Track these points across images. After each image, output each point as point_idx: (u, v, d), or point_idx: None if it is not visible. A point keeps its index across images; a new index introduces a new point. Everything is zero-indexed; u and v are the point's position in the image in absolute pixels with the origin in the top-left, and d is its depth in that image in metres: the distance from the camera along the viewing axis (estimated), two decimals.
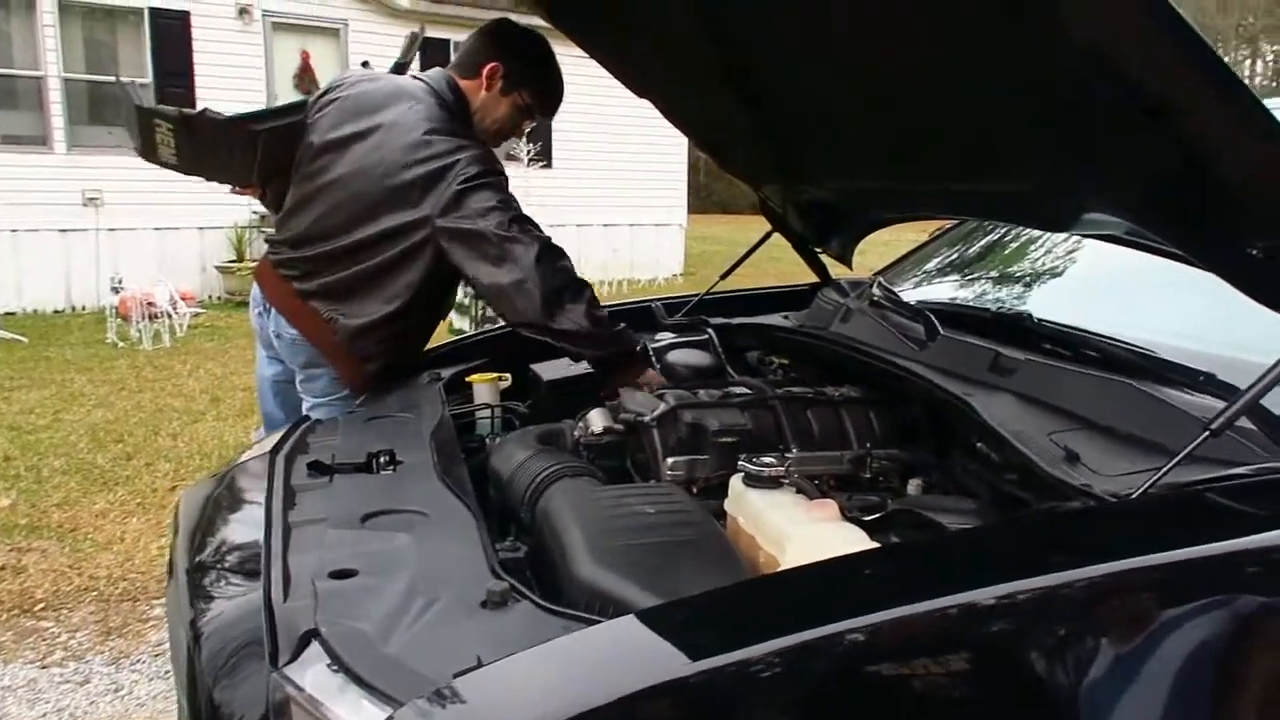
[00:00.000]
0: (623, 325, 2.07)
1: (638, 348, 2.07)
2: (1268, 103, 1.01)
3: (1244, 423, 1.23)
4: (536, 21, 2.00)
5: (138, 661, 2.77)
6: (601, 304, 2.03)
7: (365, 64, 2.77)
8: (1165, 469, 1.08)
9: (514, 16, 2.43)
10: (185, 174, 2.39)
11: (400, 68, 2.74)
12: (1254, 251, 1.08)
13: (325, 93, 2.23)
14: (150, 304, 7.89)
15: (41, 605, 3.08)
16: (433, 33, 11.18)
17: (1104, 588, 0.90)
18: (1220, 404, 1.18)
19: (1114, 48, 0.95)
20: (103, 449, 4.73)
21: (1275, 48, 44.06)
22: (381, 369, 2.13)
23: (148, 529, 3.69)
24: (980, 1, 0.97)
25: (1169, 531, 1.01)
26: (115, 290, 8.28)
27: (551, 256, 1.96)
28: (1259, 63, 45.89)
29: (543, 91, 2.21)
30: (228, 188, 2.51)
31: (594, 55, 2.10)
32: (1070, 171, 1.22)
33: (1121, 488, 1.16)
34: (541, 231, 2.01)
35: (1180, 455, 1.09)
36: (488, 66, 2.14)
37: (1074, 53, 0.96)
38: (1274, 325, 1.21)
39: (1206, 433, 1.10)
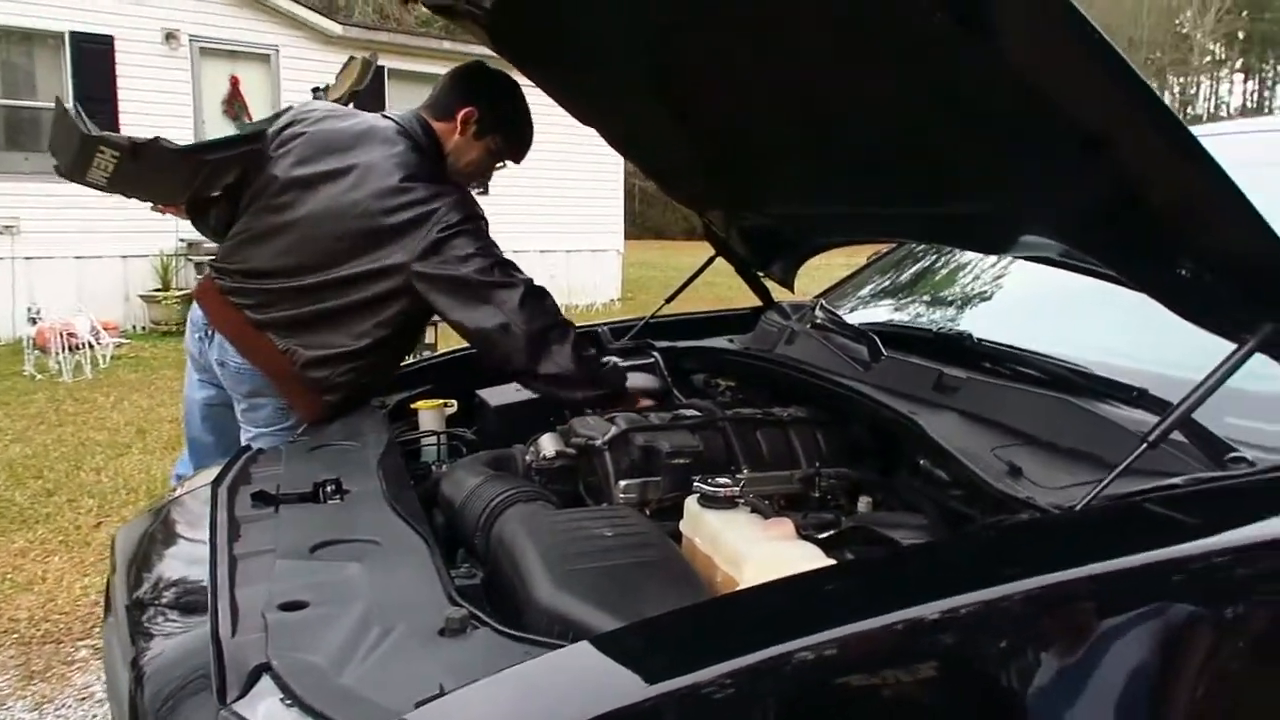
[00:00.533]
0: (611, 362, 2.07)
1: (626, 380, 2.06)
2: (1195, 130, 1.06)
3: (1178, 436, 1.28)
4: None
5: (62, 706, 2.65)
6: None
7: (316, 91, 2.71)
8: (1107, 480, 1.12)
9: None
10: (107, 193, 2.31)
11: (354, 95, 2.71)
12: (1182, 272, 1.13)
13: (288, 125, 2.18)
14: (70, 334, 7.61)
15: None
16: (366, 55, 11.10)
17: (1055, 597, 0.92)
18: (1153, 418, 1.23)
19: (1051, 80, 0.99)
20: (21, 485, 4.53)
21: (1180, 80, 46.19)
22: (342, 400, 2.08)
23: (70, 568, 3.55)
24: (919, 33, 1.00)
25: (1113, 541, 1.04)
26: (33, 320, 7.98)
27: (535, 299, 1.96)
28: (1166, 94, 48.05)
29: (515, 138, 2.22)
30: (151, 211, 2.44)
31: (537, 83, 2.11)
32: (1009, 198, 1.26)
33: (1064, 500, 1.20)
34: (524, 274, 2.00)
35: (1121, 466, 1.13)
36: (462, 111, 2.13)
37: (1013, 84, 1.00)
38: (1202, 342, 1.27)
39: (1144, 444, 1.14)
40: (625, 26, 1.57)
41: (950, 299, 2.36)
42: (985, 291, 2.31)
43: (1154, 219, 1.11)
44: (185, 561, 1.47)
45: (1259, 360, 1.21)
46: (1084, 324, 1.88)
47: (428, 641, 1.04)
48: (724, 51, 1.35)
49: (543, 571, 1.15)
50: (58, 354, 7.30)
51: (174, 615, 1.35)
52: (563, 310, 2.07)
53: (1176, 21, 44.74)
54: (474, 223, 2.00)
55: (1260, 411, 1.36)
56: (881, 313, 2.39)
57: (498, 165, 2.27)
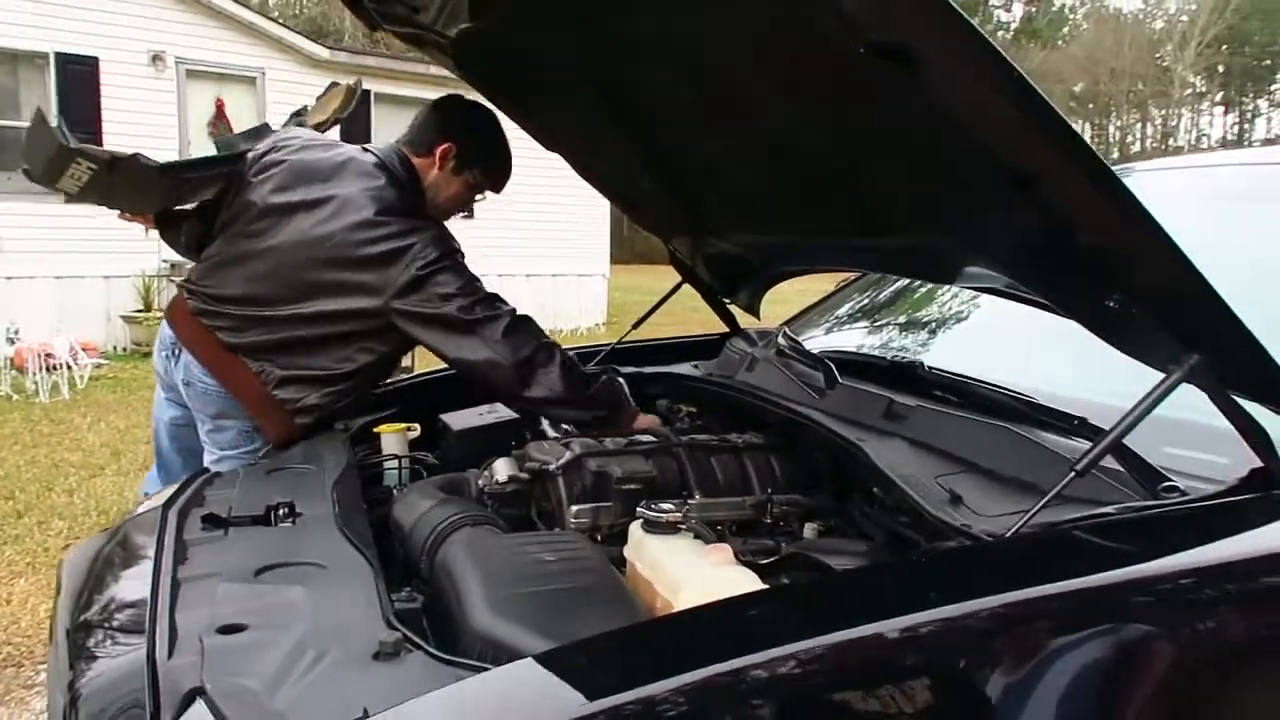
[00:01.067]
0: (603, 379, 2.07)
1: (623, 394, 2.08)
2: (1132, 168, 1.09)
3: (1115, 465, 1.31)
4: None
5: None
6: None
7: (297, 114, 2.72)
8: (1035, 509, 1.14)
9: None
10: (77, 202, 2.30)
11: (338, 122, 2.73)
12: (1111, 304, 1.16)
13: (267, 151, 2.19)
14: (48, 355, 7.58)
15: None
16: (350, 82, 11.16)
17: (973, 623, 0.93)
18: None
19: (975, 118, 1.01)
20: None
21: (1162, 112, 46.84)
22: (315, 423, 2.07)
23: (36, 590, 3.52)
24: (847, 67, 1.03)
25: (1037, 568, 1.06)
26: (11, 340, 7.94)
27: (518, 328, 1.98)
28: (1148, 125, 48.73)
29: (494, 170, 2.23)
30: (118, 219, 2.44)
31: (502, 109, 2.14)
32: (948, 231, 1.29)
33: (999, 527, 1.22)
34: (506, 305, 2.02)
35: (1049, 495, 1.15)
36: (440, 147, 2.13)
37: (938, 120, 1.02)
38: (1140, 372, 1.30)
39: (1073, 473, 1.16)
40: (579, 60, 1.60)
41: (909, 328, 2.39)
42: (945, 321, 2.34)
43: (1083, 254, 1.14)
44: (133, 584, 1.47)
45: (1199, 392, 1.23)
46: (1037, 354, 1.90)
47: (361, 666, 1.04)
48: (671, 86, 1.38)
49: (479, 596, 1.16)
50: (35, 374, 7.27)
51: (116, 638, 1.35)
52: (548, 334, 2.09)
53: (1158, 55, 45.48)
54: (452, 258, 2.01)
55: (1198, 442, 1.38)
56: (842, 340, 2.42)
57: (478, 196, 2.28)
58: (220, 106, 10.48)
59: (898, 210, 1.34)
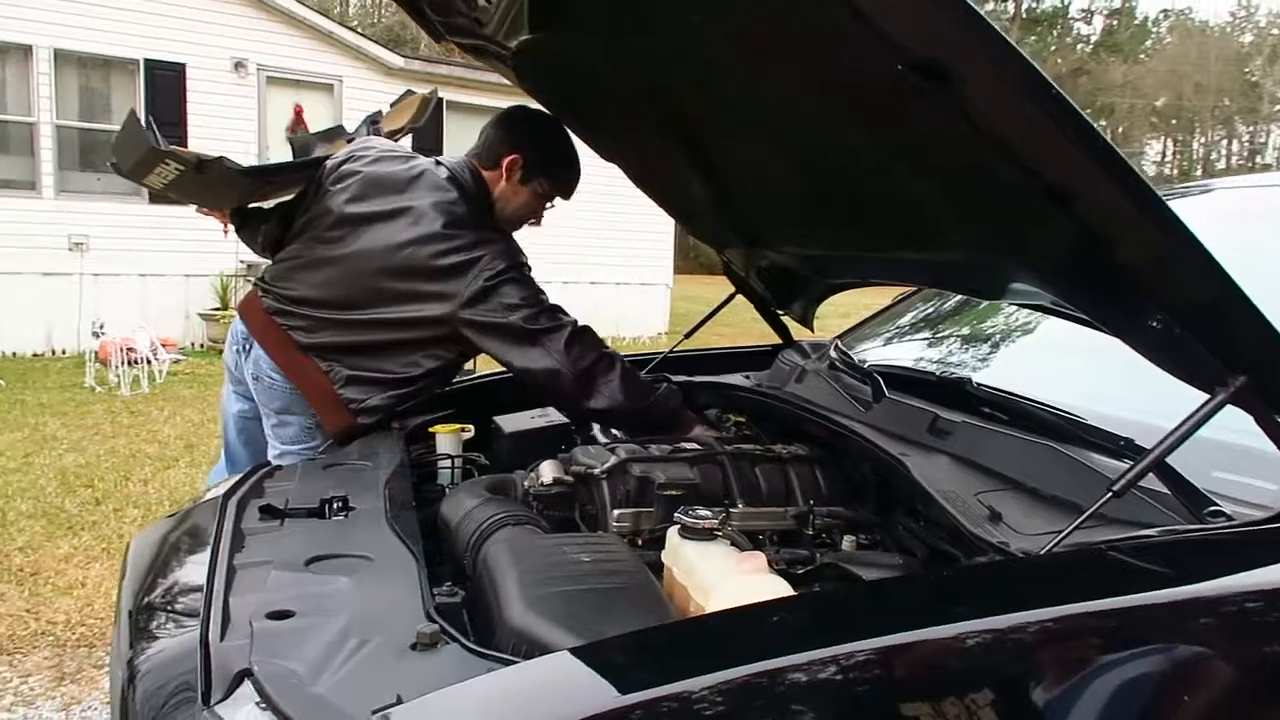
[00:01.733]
0: (662, 387, 2.12)
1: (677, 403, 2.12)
2: (1170, 193, 1.08)
3: (1159, 487, 1.29)
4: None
5: (88, 708, 2.74)
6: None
7: (374, 119, 2.80)
8: (1069, 528, 1.13)
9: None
10: (161, 196, 2.41)
11: (412, 131, 2.80)
12: (1154, 324, 1.14)
13: (345, 160, 2.27)
14: (130, 349, 7.90)
15: None
16: (427, 92, 11.41)
17: (1000, 639, 0.94)
18: None
19: (1013, 134, 1.02)
20: (72, 493, 4.71)
21: (1249, 129, 45.25)
22: (376, 423, 2.13)
23: (110, 574, 3.67)
24: (885, 84, 1.04)
25: (1067, 587, 1.05)
26: (96, 335, 8.29)
27: (579, 339, 2.04)
28: (1234, 142, 47.11)
29: (561, 178, 2.26)
30: (195, 212, 2.55)
31: (561, 119, 2.19)
32: (989, 247, 1.29)
33: (1037, 546, 1.21)
34: (568, 316, 2.08)
35: (1083, 516, 1.14)
36: (507, 159, 2.18)
37: (976, 137, 1.03)
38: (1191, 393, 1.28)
39: (1109, 493, 1.15)
40: (634, 73, 1.64)
41: (965, 343, 2.37)
42: (1000, 336, 2.31)
43: (1122, 272, 1.13)
44: (190, 569, 1.54)
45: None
46: (1090, 372, 1.87)
47: (399, 654, 1.08)
48: (720, 101, 1.41)
49: (515, 592, 1.19)
50: (117, 368, 7.57)
51: (174, 620, 1.41)
52: (610, 342, 2.13)
53: (1246, 69, 43.99)
54: (518, 270, 2.07)
55: (1247, 466, 1.36)
56: (896, 353, 2.41)
57: (548, 205, 2.31)
58: (299, 112, 10.80)
59: (940, 225, 1.34)
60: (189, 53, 9.89)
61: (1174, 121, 45.46)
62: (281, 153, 10.63)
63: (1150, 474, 1.20)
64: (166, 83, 9.83)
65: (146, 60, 9.68)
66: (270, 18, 10.48)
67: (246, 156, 10.19)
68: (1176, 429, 1.16)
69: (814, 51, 1.10)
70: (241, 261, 9.85)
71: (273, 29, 10.50)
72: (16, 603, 3.39)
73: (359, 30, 15.38)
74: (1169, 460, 1.21)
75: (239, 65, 10.24)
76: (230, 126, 10.06)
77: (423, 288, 2.04)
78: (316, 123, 10.80)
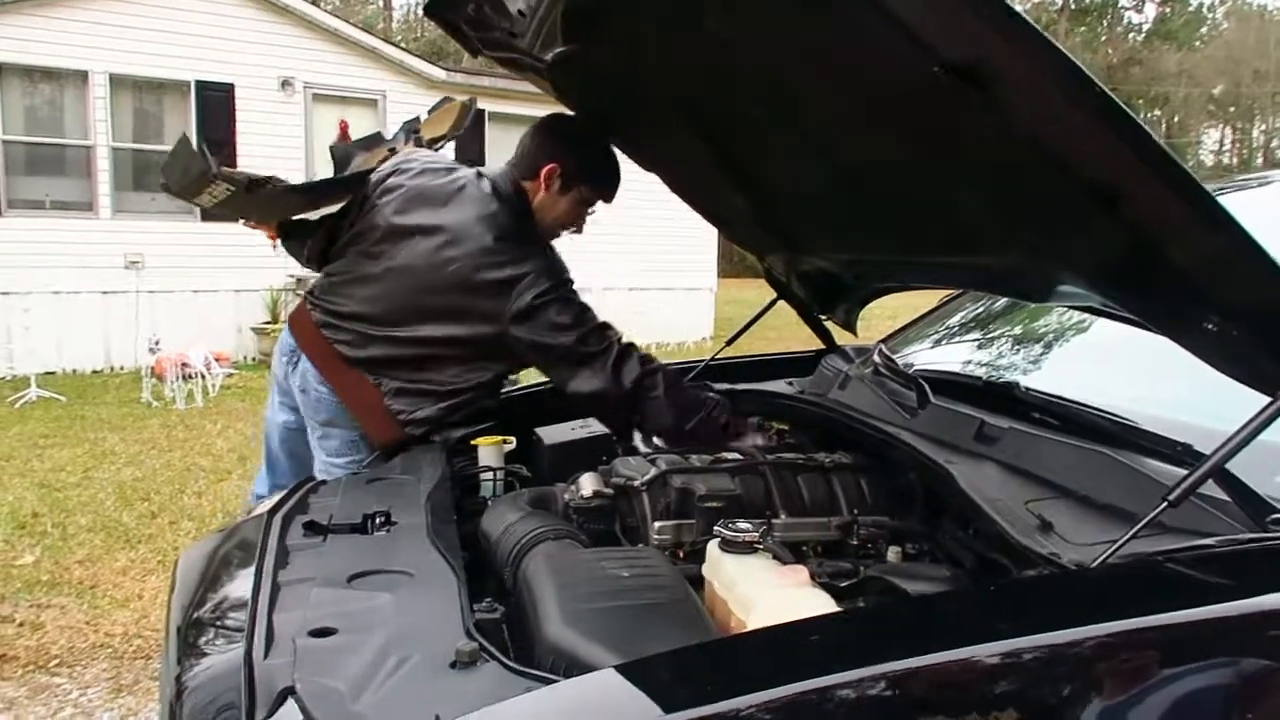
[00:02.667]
0: (712, 400, 2.11)
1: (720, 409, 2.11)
2: (1228, 185, 1.04)
3: (1219, 494, 1.24)
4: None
5: None
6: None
7: (413, 126, 2.80)
8: (1123, 539, 1.09)
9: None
10: (209, 214, 2.43)
11: (454, 138, 2.79)
12: (1209, 326, 1.10)
13: (391, 173, 2.28)
14: (185, 364, 8.07)
15: (56, 661, 3.13)
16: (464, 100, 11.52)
17: (1048, 657, 0.90)
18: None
19: (1057, 135, 0.99)
20: (129, 506, 4.82)
21: None
22: (423, 435, 2.14)
23: (166, 587, 3.73)
24: (923, 88, 1.02)
25: (1122, 600, 1.02)
26: (152, 351, 8.49)
27: (626, 360, 2.05)
28: None
29: (601, 183, 2.23)
30: (243, 226, 2.57)
31: (599, 131, 2.18)
32: (1035, 249, 1.26)
33: (1089, 557, 1.17)
34: (614, 331, 2.09)
35: (1138, 526, 1.10)
36: (545, 169, 2.15)
37: (1019, 138, 1.00)
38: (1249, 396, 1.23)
39: (1165, 503, 1.11)
40: (669, 83, 1.63)
41: (1011, 345, 2.32)
42: (1048, 338, 2.26)
43: (1174, 273, 1.09)
44: (236, 585, 1.56)
45: None
46: (1143, 374, 1.82)
47: (439, 672, 1.08)
48: (757, 108, 1.39)
49: (554, 608, 1.19)
50: (172, 383, 7.75)
51: (221, 637, 1.43)
52: (654, 348, 2.12)
53: None
54: (564, 288, 2.08)
55: None
56: (941, 357, 2.36)
57: (589, 210, 2.29)
58: (344, 128, 10.92)
59: (982, 229, 1.31)
60: (237, 73, 10.11)
61: (1232, 109, 44.28)
62: (328, 171, 10.80)
63: (1209, 480, 1.16)
64: (216, 103, 10.06)
65: (197, 82, 9.91)
66: (316, 36, 10.67)
67: (294, 172, 10.38)
68: (1236, 433, 1.12)
69: (851, 58, 1.08)
70: (290, 276, 10.02)
71: (318, 47, 10.69)
72: (76, 615, 3.47)
73: (402, 45, 15.61)
74: (1229, 466, 1.17)
75: (286, 84, 10.43)
76: (277, 143, 10.26)
77: (469, 304, 2.05)
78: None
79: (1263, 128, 45.61)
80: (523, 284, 2.01)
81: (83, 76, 9.40)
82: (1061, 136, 0.99)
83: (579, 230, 2.31)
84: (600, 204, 2.30)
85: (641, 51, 1.63)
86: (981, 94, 0.96)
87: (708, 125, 1.68)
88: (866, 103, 1.16)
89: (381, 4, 37.89)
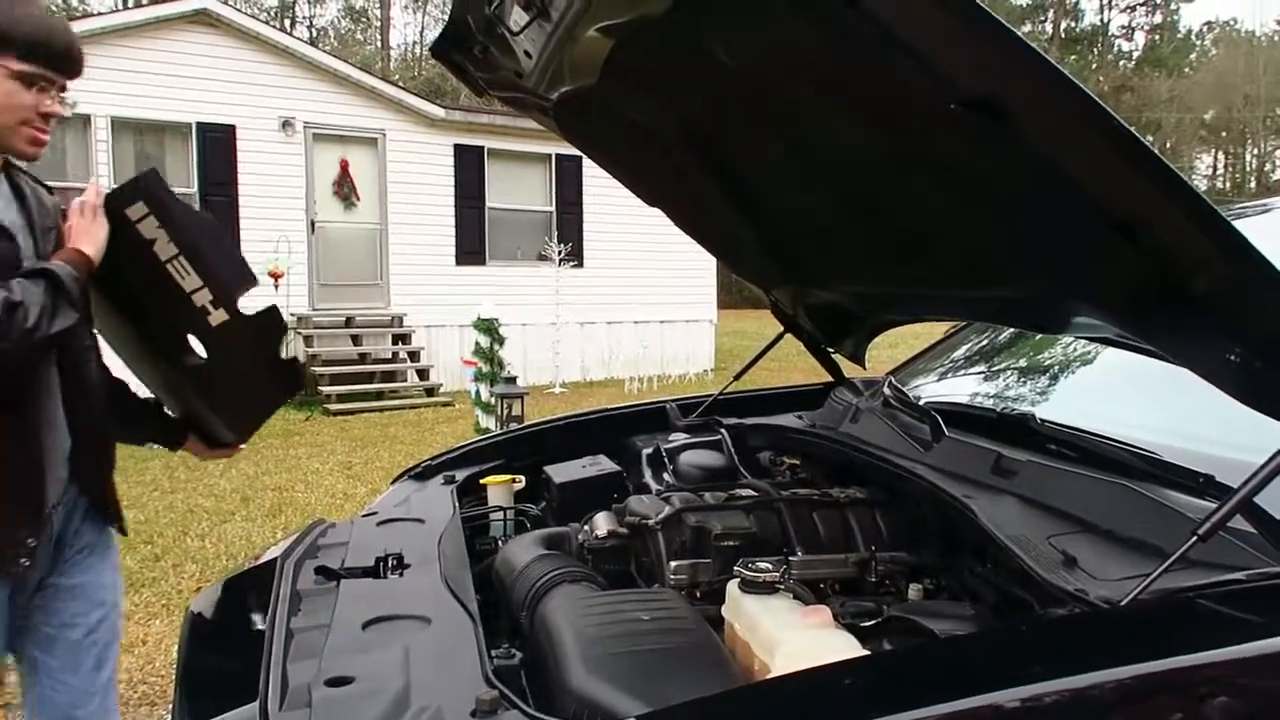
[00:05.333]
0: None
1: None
2: (1243, 209, 1.04)
3: (1246, 527, 1.22)
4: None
5: None
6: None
7: None
8: (1153, 575, 1.07)
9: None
10: None
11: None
12: (1232, 357, 1.09)
13: None
14: None
15: None
16: (468, 140, 11.63)
17: (1081, 699, 0.89)
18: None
19: (1075, 167, 0.98)
20: (133, 550, 4.77)
21: None
22: None
23: (170, 631, 3.70)
24: (937, 121, 1.02)
25: (1155, 640, 1.00)
26: None
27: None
28: None
29: (30, 43, 1.60)
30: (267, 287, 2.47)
31: (604, 168, 2.19)
32: (1052, 281, 1.25)
33: (1117, 592, 1.15)
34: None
35: (1169, 561, 1.08)
36: None
37: (1035, 170, 1.00)
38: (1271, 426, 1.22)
39: (1194, 538, 1.09)
40: (672, 121, 1.63)
41: (1024, 376, 2.30)
42: (1061, 369, 2.24)
43: (1194, 304, 1.08)
44: (248, 633, 1.54)
45: None
46: (1162, 405, 1.81)
47: None
48: (765, 143, 1.39)
49: (575, 654, 1.17)
50: None
51: (232, 687, 1.41)
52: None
53: None
54: None
55: None
56: (952, 388, 2.35)
57: (46, 94, 1.65)
58: (345, 166, 11.05)
59: (997, 261, 1.31)
60: (238, 114, 10.20)
61: (1224, 134, 44.60)
62: (329, 208, 10.88)
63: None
64: (217, 144, 10.14)
65: (199, 123, 10.00)
66: (316, 77, 10.78)
67: (295, 210, 10.47)
68: (1264, 465, 1.11)
69: (864, 92, 1.08)
70: (292, 315, 10.03)
71: (318, 87, 10.79)
72: None
73: (400, 84, 15.75)
74: (1255, 499, 1.15)
75: (286, 124, 10.52)
76: (279, 183, 10.34)
77: None
78: (361, 176, 11.06)
79: (1255, 152, 45.92)
80: None
81: (85, 121, 9.47)
82: (1080, 169, 0.99)
83: (43, 131, 1.67)
84: (62, 79, 1.67)
85: (650, 87, 1.64)
86: (998, 128, 0.96)
87: (716, 161, 1.68)
88: (881, 135, 1.16)
89: (380, 44, 38.34)
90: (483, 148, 11.70)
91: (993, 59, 0.95)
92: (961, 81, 0.97)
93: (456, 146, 11.61)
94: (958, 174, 1.12)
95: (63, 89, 1.70)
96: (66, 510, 1.80)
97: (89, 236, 1.72)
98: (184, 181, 9.93)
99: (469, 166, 11.64)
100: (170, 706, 1.53)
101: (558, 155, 12.01)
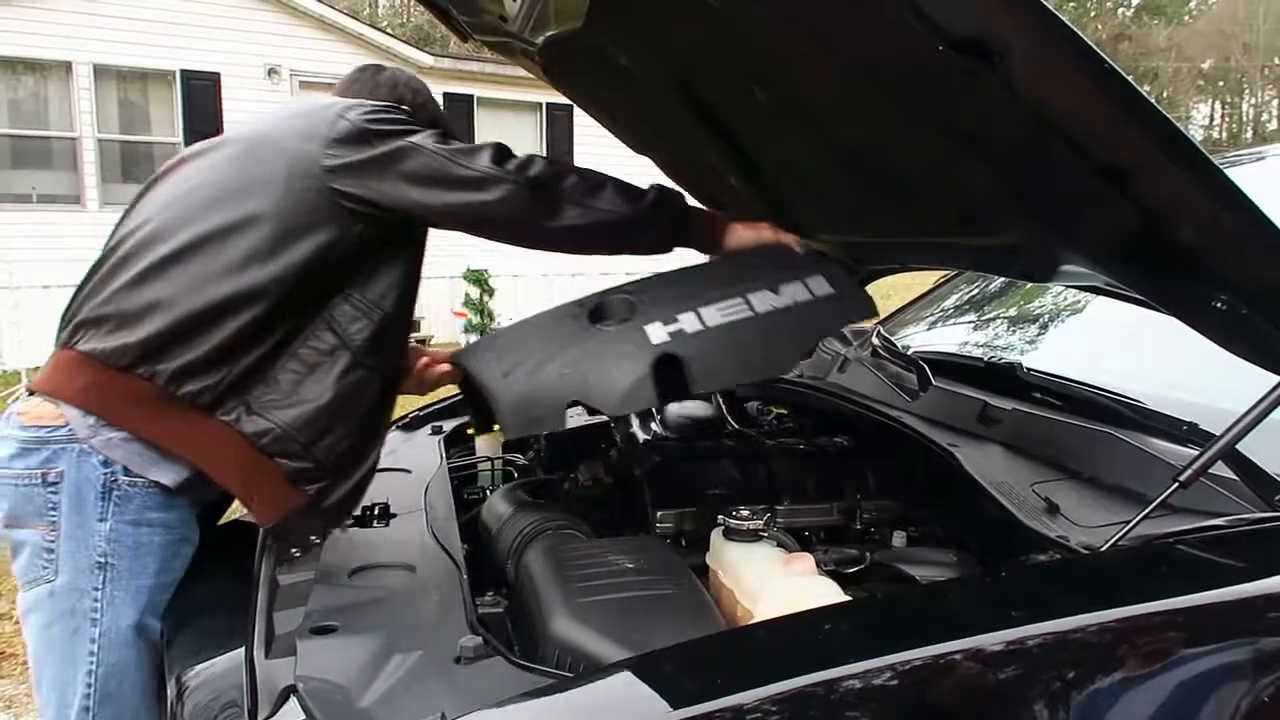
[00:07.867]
0: (651, 187, 1.54)
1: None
2: (1238, 157, 1.02)
3: (1227, 473, 1.23)
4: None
5: None
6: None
7: None
8: (1134, 521, 1.08)
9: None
10: None
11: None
12: (1217, 304, 1.09)
13: None
14: None
15: None
16: (457, 89, 11.47)
17: (1064, 645, 0.89)
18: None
19: (1061, 112, 0.97)
20: None
21: None
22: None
23: None
24: (924, 64, 1.00)
25: (1136, 584, 1.01)
26: None
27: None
28: None
29: None
30: None
31: (592, 115, 2.16)
32: (1038, 228, 1.24)
33: (1099, 539, 1.16)
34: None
35: (1150, 507, 1.09)
36: None
37: (1023, 115, 0.98)
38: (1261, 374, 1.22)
39: (1176, 484, 1.10)
40: (660, 67, 1.60)
41: (1011, 325, 2.30)
42: (1049, 318, 2.24)
43: (1183, 251, 1.07)
44: (234, 584, 1.54)
45: None
46: (1148, 354, 1.81)
47: (443, 669, 1.06)
48: (752, 88, 1.36)
49: (558, 602, 1.17)
50: None
51: (220, 636, 1.41)
52: None
53: None
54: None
55: None
56: (940, 338, 2.35)
57: None
58: None
59: (988, 208, 1.29)
60: (223, 61, 10.02)
61: (1222, 84, 44.20)
62: None
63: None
64: (202, 92, 9.97)
65: (182, 71, 9.82)
66: (301, 23, 10.57)
67: None
68: (1247, 413, 1.11)
69: (850, 35, 1.06)
70: None
71: (304, 34, 10.59)
72: None
73: (388, 31, 15.48)
74: (1238, 446, 1.16)
75: (272, 71, 10.35)
76: None
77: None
78: None
79: (1252, 102, 45.58)
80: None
81: (66, 67, 9.30)
82: (1070, 114, 0.97)
83: None
84: None
85: (639, 31, 1.60)
86: (987, 71, 0.94)
87: (703, 107, 1.66)
88: (868, 80, 1.14)
89: None
90: (472, 96, 11.54)
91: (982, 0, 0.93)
92: (949, 24, 0.95)
93: (445, 95, 11.44)
94: (947, 121, 1.10)
95: None
96: None
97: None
98: (168, 131, 9.80)
99: (458, 115, 11.48)
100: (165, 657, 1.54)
101: (548, 104, 11.85)
